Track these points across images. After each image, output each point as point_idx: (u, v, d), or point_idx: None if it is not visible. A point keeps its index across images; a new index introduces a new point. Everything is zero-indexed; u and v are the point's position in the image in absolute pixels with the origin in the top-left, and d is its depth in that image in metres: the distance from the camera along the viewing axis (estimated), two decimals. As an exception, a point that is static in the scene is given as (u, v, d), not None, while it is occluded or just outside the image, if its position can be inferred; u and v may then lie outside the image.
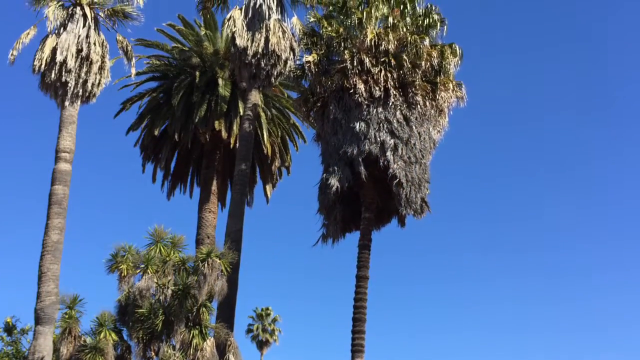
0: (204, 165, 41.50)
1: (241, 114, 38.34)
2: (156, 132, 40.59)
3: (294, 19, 36.12)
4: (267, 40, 35.14)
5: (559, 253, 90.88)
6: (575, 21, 73.67)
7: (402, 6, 34.23)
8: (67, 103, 33.56)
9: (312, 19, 35.09)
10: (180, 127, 39.57)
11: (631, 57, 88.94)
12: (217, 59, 40.80)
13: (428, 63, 32.97)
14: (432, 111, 33.08)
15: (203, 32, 41.25)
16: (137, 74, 39.07)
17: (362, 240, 32.60)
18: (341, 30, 33.40)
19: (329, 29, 33.60)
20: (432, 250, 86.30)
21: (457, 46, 33.98)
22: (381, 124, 31.70)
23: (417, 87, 32.71)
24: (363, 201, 32.78)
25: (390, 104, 32.05)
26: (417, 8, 34.62)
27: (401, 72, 32.45)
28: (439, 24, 34.37)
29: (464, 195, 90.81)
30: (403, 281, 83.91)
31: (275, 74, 35.54)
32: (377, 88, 31.88)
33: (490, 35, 77.88)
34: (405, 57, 32.45)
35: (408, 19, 34.08)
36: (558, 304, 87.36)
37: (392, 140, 31.53)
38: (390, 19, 33.61)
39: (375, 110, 31.87)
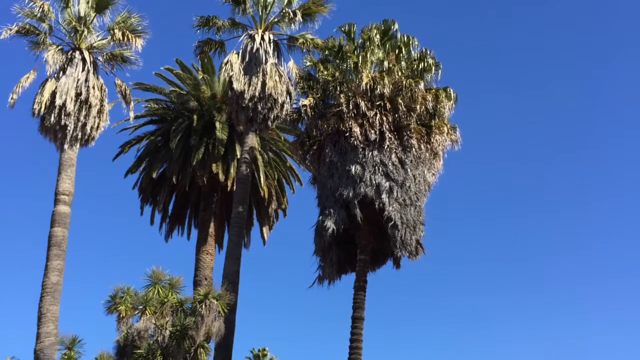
0: (201, 208, 41.68)
1: (238, 157, 38.54)
2: (154, 175, 40.79)
3: (291, 63, 36.68)
4: (264, 84, 35.60)
5: (558, 293, 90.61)
6: (572, 63, 74.42)
7: (397, 50, 34.61)
8: (66, 146, 33.97)
9: (308, 63, 35.49)
10: (178, 170, 39.79)
11: (629, 100, 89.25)
12: (214, 103, 41.09)
13: (423, 107, 33.25)
14: (427, 154, 33.34)
15: (201, 76, 41.57)
16: (136, 117, 39.47)
17: (357, 281, 32.74)
18: (337, 74, 33.71)
19: (325, 73, 33.90)
20: (427, 292, 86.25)
21: (451, 90, 34.38)
22: (376, 167, 31.95)
23: (412, 131, 32.95)
24: (359, 243, 32.97)
25: (386, 147, 32.30)
26: (412, 52, 35.03)
27: (396, 115, 32.73)
28: (433, 68, 34.69)
29: (458, 238, 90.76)
30: (399, 323, 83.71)
31: (272, 117, 35.92)
32: (372, 131, 32.13)
33: (485, 78, 78.60)
34: (400, 100, 32.74)
35: (403, 63, 34.41)
36: (556, 343, 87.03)
37: (387, 183, 31.78)
38: (386, 63, 34.00)
39: (370, 153, 32.12)
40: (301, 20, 36.07)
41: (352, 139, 32.13)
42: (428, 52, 34.86)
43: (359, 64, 33.69)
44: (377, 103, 32.72)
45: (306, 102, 33.91)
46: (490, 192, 76.97)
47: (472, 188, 73.59)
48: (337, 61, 34.58)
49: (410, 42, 35.04)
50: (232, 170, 39.73)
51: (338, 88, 33.25)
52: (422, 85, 33.85)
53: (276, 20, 37.42)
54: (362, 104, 32.45)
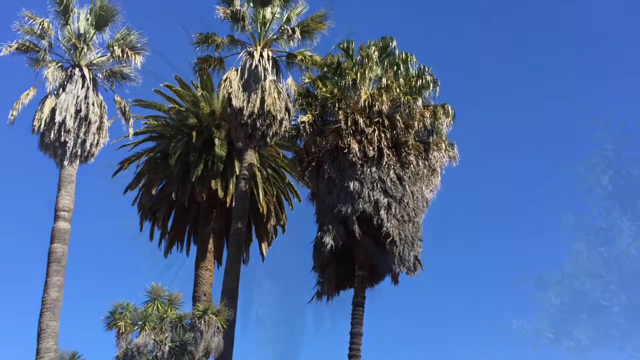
0: (200, 224, 41.59)
1: (237, 173, 38.45)
2: (154, 192, 40.73)
3: (289, 80, 36.72)
4: (262, 101, 35.63)
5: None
6: (568, 78, 74.43)
7: (395, 67, 34.73)
8: (65, 163, 34.02)
9: (307, 80, 35.58)
10: (177, 187, 39.77)
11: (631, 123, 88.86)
12: (213, 119, 41.03)
13: (421, 123, 33.36)
14: (425, 170, 33.42)
15: (199, 93, 41.46)
16: (135, 133, 39.44)
17: (355, 297, 32.84)
18: (335, 91, 33.80)
19: (324, 89, 33.99)
20: (426, 308, 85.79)
21: (449, 106, 34.48)
22: (375, 183, 32.05)
23: (411, 147, 33.06)
24: (357, 259, 33.07)
25: (384, 163, 32.39)
26: (410, 69, 35.15)
27: (394, 132, 32.84)
28: (431, 84, 34.76)
29: (457, 253, 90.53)
30: (397, 338, 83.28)
31: (270, 134, 35.93)
32: (370, 148, 32.21)
33: (483, 94, 78.45)
34: (398, 117, 32.87)
35: (401, 80, 34.53)
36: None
37: (385, 199, 31.88)
38: (384, 80, 34.15)
39: (369, 169, 32.22)
40: (300, 37, 36.11)
41: (351, 155, 32.22)
42: (426, 69, 34.94)
43: (357, 81, 33.76)
44: (375, 120, 32.82)
45: (305, 118, 33.94)
46: (489, 208, 76.77)
47: (471, 204, 73.38)
48: (336, 78, 34.66)
49: (408, 59, 35.17)
50: (230, 187, 39.64)
51: (337, 105, 33.32)
52: (420, 102, 33.99)
53: (275, 37, 37.47)
54: (361, 120, 32.55)
